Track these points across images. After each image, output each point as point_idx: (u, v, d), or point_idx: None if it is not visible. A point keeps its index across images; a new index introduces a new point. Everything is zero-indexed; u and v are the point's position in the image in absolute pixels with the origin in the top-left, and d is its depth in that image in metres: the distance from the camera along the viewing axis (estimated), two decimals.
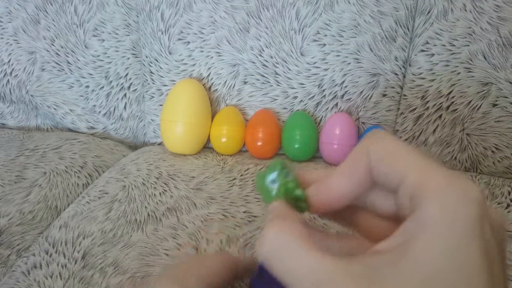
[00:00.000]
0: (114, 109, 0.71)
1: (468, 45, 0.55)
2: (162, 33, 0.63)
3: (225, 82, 0.63)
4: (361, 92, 0.60)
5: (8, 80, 0.73)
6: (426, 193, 0.15)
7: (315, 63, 0.59)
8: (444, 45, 0.56)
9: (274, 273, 0.16)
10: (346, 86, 0.60)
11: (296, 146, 0.59)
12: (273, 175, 0.21)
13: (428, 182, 0.15)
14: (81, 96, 0.71)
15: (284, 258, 0.16)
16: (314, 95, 0.61)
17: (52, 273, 0.40)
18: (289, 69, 0.60)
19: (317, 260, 0.15)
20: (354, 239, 0.20)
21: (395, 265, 0.14)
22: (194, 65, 0.63)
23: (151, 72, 0.66)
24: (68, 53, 0.70)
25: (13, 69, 0.72)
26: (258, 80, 0.62)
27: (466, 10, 0.54)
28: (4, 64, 0.72)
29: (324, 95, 0.61)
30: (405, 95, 0.59)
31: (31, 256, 0.43)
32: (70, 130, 0.74)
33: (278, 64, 0.61)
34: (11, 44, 0.71)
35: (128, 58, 0.69)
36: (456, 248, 0.14)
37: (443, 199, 0.14)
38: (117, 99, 0.70)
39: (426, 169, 0.15)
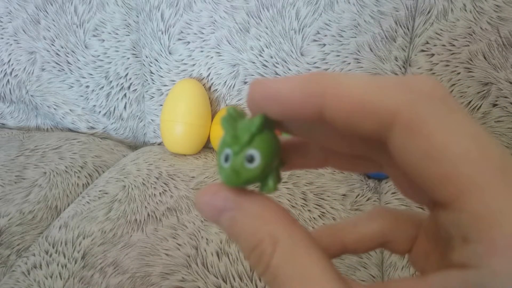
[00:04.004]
0: (114, 109, 0.71)
1: (468, 45, 0.55)
2: (162, 33, 0.63)
3: (225, 82, 0.63)
4: None
5: (8, 80, 0.73)
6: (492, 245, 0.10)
7: (315, 63, 0.59)
8: (444, 45, 0.56)
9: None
10: None
11: None
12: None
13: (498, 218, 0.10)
14: (81, 96, 0.71)
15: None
16: None
17: (52, 273, 0.40)
18: (289, 69, 0.60)
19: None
20: None
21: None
22: (194, 65, 0.63)
23: (151, 72, 0.66)
24: (68, 53, 0.70)
25: (13, 69, 0.72)
26: None
27: (466, 10, 0.54)
28: (4, 64, 0.72)
29: None
30: None
31: (31, 256, 0.43)
32: (70, 130, 0.74)
33: (278, 64, 0.60)
34: (11, 44, 0.71)
35: (128, 58, 0.69)
36: None
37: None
38: (117, 99, 0.70)
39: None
